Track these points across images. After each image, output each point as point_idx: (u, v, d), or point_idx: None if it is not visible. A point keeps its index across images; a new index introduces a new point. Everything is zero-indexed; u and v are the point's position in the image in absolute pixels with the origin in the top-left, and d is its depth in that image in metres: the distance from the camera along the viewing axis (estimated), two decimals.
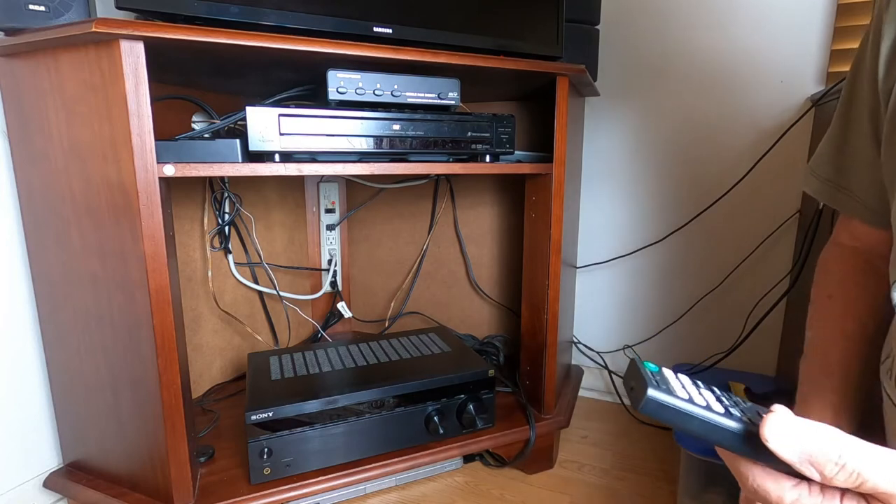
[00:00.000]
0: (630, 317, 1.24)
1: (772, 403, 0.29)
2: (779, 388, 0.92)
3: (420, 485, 0.92)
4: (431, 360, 0.92)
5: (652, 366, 0.31)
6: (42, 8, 0.59)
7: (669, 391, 0.29)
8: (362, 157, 0.74)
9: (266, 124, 0.65)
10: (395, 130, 0.73)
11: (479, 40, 0.79)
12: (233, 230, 1.05)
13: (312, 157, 0.72)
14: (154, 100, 0.60)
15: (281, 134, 0.66)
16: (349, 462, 0.81)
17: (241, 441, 0.85)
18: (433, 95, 0.76)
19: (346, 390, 0.79)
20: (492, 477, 0.94)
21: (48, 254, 0.71)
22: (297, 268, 1.24)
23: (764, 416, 0.27)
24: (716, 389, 0.32)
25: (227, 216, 1.02)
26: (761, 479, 0.28)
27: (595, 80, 0.98)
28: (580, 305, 1.27)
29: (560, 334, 0.96)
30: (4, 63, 0.67)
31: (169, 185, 0.66)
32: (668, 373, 0.31)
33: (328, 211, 1.27)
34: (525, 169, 0.85)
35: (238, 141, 0.66)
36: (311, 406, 0.76)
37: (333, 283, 1.29)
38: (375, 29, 0.72)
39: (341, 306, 1.24)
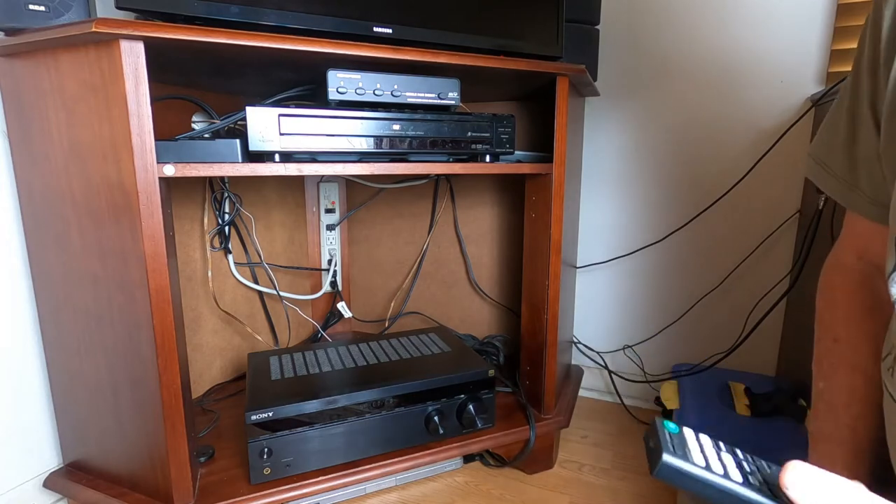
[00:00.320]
0: (630, 317, 1.24)
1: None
2: (779, 388, 0.92)
3: (420, 485, 0.92)
4: (431, 360, 0.92)
5: (672, 426, 0.30)
6: (42, 8, 0.59)
7: (686, 456, 0.27)
8: (362, 157, 0.74)
9: (266, 124, 0.65)
10: (395, 130, 0.73)
11: (479, 40, 0.79)
12: (233, 230, 1.05)
13: (312, 157, 0.72)
14: (154, 100, 0.60)
15: (281, 134, 0.66)
16: (349, 462, 0.81)
17: (241, 441, 0.85)
18: (433, 95, 0.76)
19: (346, 390, 0.79)
20: (492, 477, 0.94)
21: (48, 254, 0.71)
22: (297, 268, 1.24)
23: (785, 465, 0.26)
24: (738, 452, 0.31)
25: (227, 216, 1.02)
26: None
27: (595, 80, 0.98)
28: (580, 305, 1.27)
29: (560, 334, 0.96)
30: (4, 63, 0.67)
31: (169, 185, 0.66)
32: (688, 434, 0.30)
33: (328, 211, 1.27)
34: (525, 169, 0.85)
35: (238, 141, 0.66)
36: (311, 406, 0.76)
37: (333, 283, 1.29)
38: (375, 29, 0.72)
39: (341, 306, 1.24)
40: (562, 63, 0.84)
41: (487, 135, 0.79)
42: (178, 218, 0.94)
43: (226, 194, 1.01)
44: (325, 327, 1.28)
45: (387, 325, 1.30)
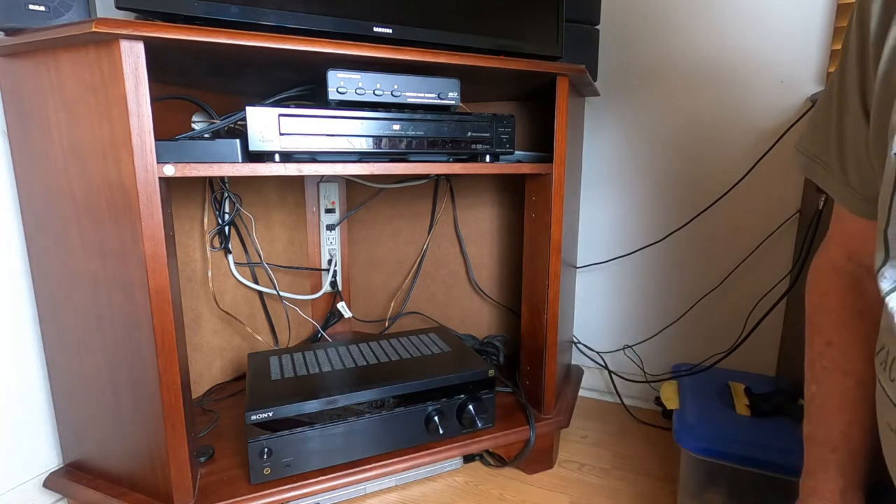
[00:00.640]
0: (630, 317, 1.24)
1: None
2: (779, 388, 0.92)
3: (420, 485, 0.92)
4: (431, 360, 0.92)
5: None
6: (42, 8, 0.59)
7: None
8: (362, 157, 0.74)
9: (266, 124, 0.65)
10: (395, 130, 0.73)
11: (479, 40, 0.79)
12: (233, 230, 1.05)
13: (312, 157, 0.72)
14: (154, 100, 0.60)
15: (281, 134, 0.66)
16: (349, 462, 0.81)
17: (241, 441, 0.85)
18: (433, 95, 0.76)
19: (346, 390, 0.79)
20: (492, 477, 0.94)
21: (48, 254, 0.71)
22: (297, 268, 1.24)
23: None
24: None
25: (227, 216, 1.02)
26: None
27: (595, 80, 0.98)
28: (580, 305, 1.27)
29: (560, 334, 0.96)
30: (4, 63, 0.67)
31: (169, 185, 0.66)
32: None
33: (328, 211, 1.27)
34: (525, 169, 0.85)
35: (238, 141, 0.66)
36: (311, 406, 0.76)
37: (333, 283, 1.29)
38: (375, 29, 0.72)
39: (341, 306, 1.24)
40: (562, 63, 0.84)
41: (487, 135, 0.79)
42: (178, 218, 0.94)
43: (226, 194, 1.01)
44: (325, 327, 1.28)
45: (387, 325, 1.30)
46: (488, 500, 0.88)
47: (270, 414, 0.74)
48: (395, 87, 0.74)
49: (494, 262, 1.22)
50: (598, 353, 1.27)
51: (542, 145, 1.04)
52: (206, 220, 1.00)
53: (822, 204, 0.88)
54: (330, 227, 1.28)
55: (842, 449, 0.51)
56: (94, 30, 0.55)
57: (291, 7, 0.67)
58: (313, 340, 1.27)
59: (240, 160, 0.66)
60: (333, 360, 0.91)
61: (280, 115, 0.66)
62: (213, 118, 0.88)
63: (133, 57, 0.58)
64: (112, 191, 0.63)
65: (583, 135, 1.17)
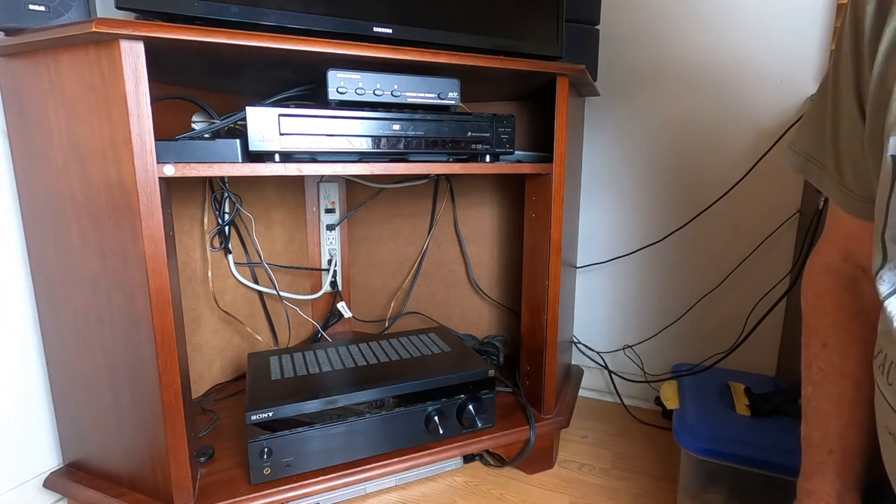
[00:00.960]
0: (630, 317, 1.24)
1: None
2: (779, 388, 0.92)
3: (420, 485, 0.92)
4: (431, 361, 0.92)
5: None
6: (42, 8, 0.59)
7: None
8: (362, 157, 0.74)
9: (266, 124, 0.65)
10: (395, 130, 0.73)
11: (479, 40, 0.79)
12: (233, 230, 1.05)
13: (312, 157, 0.72)
14: (154, 100, 0.60)
15: (281, 134, 0.66)
16: (349, 462, 0.81)
17: (241, 441, 0.85)
18: (433, 95, 0.76)
19: (346, 390, 0.79)
20: (492, 477, 0.94)
21: (48, 254, 0.71)
22: (297, 268, 1.24)
23: None
24: None
25: (227, 216, 1.02)
26: None
27: (595, 80, 0.98)
28: (580, 305, 1.27)
29: (560, 334, 0.96)
30: (4, 63, 0.67)
31: (169, 185, 0.66)
32: None
33: (328, 211, 1.27)
34: (525, 169, 0.85)
35: (238, 141, 0.66)
36: (311, 406, 0.76)
37: (333, 283, 1.29)
38: (375, 29, 0.72)
39: (341, 306, 1.24)
40: (562, 63, 0.84)
41: (487, 135, 0.79)
42: (178, 218, 0.94)
43: (226, 194, 1.01)
44: (325, 327, 1.28)
45: (387, 325, 1.30)
46: (488, 500, 0.88)
47: (270, 414, 0.74)
48: (395, 87, 0.74)
49: (494, 262, 1.22)
50: (598, 353, 1.27)
51: (542, 145, 1.04)
52: (206, 220, 1.00)
53: (821, 204, 0.88)
54: (330, 227, 1.28)
55: (838, 451, 0.51)
56: (94, 30, 0.55)
57: (291, 7, 0.67)
58: (313, 340, 1.27)
59: (240, 160, 0.66)
60: (333, 360, 0.91)
61: (280, 115, 0.66)
62: (213, 118, 0.88)
63: (133, 57, 0.58)
64: (112, 191, 0.63)
65: (583, 135, 1.17)
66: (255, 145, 0.65)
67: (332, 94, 0.70)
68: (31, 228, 0.73)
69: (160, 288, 0.64)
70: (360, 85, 0.71)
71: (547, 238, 0.88)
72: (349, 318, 1.28)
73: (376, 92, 0.73)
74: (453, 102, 0.77)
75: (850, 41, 0.45)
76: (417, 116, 0.74)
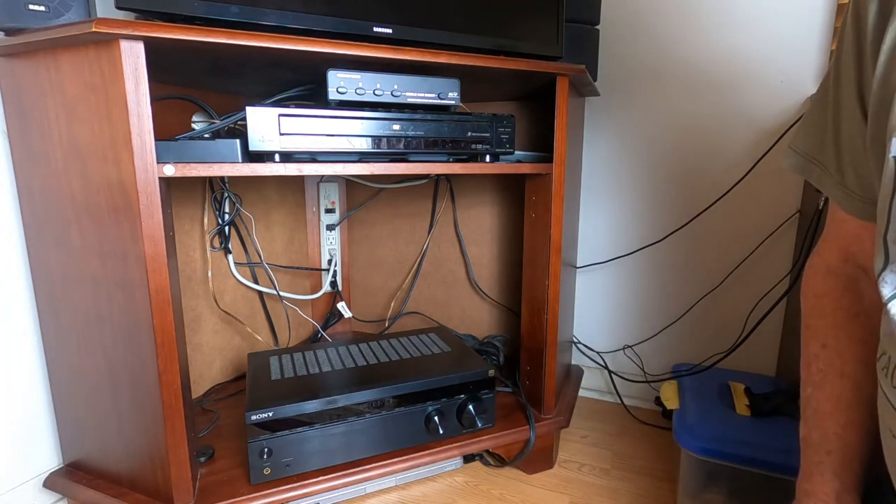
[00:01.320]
0: (630, 317, 1.24)
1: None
2: (778, 388, 0.92)
3: (420, 485, 0.92)
4: (431, 360, 0.92)
5: None
6: (42, 8, 0.59)
7: None
8: (362, 157, 0.74)
9: (266, 124, 0.65)
10: (395, 130, 0.73)
11: (479, 40, 0.79)
12: (233, 230, 1.05)
13: (312, 157, 0.72)
14: (154, 100, 0.60)
15: (281, 134, 0.66)
16: (349, 462, 0.81)
17: (241, 441, 0.85)
18: (433, 95, 0.76)
19: (346, 390, 0.79)
20: (492, 477, 0.94)
21: (48, 254, 0.71)
22: (297, 268, 1.24)
23: None
24: None
25: (227, 216, 1.02)
26: None
27: (595, 80, 0.98)
28: (580, 305, 1.27)
29: (560, 334, 0.96)
30: (4, 63, 0.67)
31: (169, 185, 0.66)
32: None
33: (328, 211, 1.27)
34: (525, 169, 0.85)
35: (238, 141, 0.66)
36: (311, 406, 0.76)
37: (333, 283, 1.29)
38: (375, 29, 0.72)
39: (341, 306, 1.24)
40: (562, 63, 0.84)
41: (487, 135, 0.79)
42: (178, 218, 0.94)
43: (226, 194, 1.01)
44: (325, 327, 1.28)
45: (387, 325, 1.30)
46: (488, 499, 0.88)
47: (270, 414, 0.74)
48: (395, 87, 0.74)
49: (494, 262, 1.22)
50: (598, 353, 1.27)
51: (542, 145, 1.04)
52: (206, 220, 1.00)
53: (822, 204, 0.88)
54: (330, 227, 1.28)
55: (837, 451, 0.51)
56: (94, 30, 0.55)
57: (291, 7, 0.67)
58: (313, 340, 1.27)
59: (240, 160, 0.66)
60: (333, 360, 0.91)
61: (280, 115, 0.66)
62: (213, 118, 0.88)
63: (133, 57, 0.58)
64: (112, 191, 0.63)
65: (583, 135, 1.17)
66: (255, 145, 0.65)
67: (332, 94, 0.70)
68: (31, 228, 0.73)
69: (160, 288, 0.64)
70: (360, 85, 0.71)
71: (547, 238, 0.88)
72: (349, 318, 1.28)
73: (376, 92, 0.73)
74: (453, 102, 0.77)
75: (851, 41, 0.44)
76: (417, 116, 0.74)
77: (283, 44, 0.63)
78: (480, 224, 1.21)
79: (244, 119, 0.66)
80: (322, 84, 0.70)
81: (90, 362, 0.72)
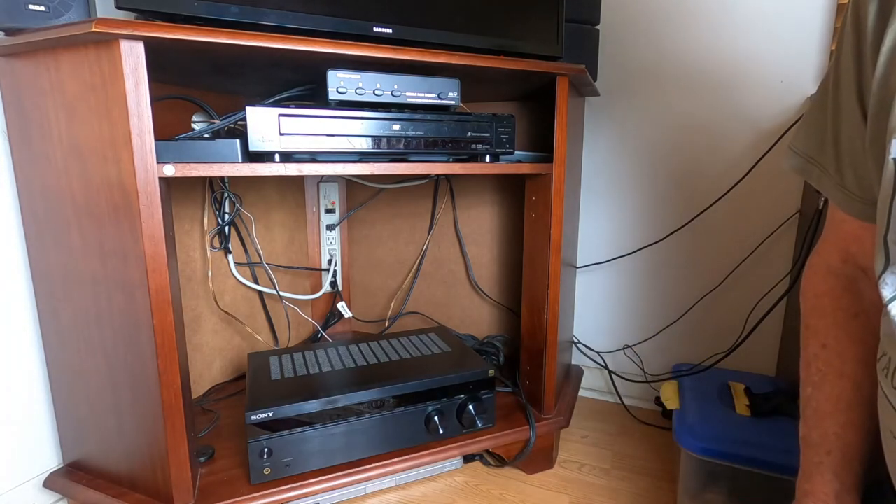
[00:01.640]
0: (630, 317, 1.24)
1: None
2: (779, 388, 0.92)
3: (420, 485, 0.92)
4: (431, 361, 0.92)
5: None
6: (42, 8, 0.59)
7: None
8: (362, 157, 0.74)
9: (266, 124, 0.65)
10: (395, 130, 0.73)
11: (479, 40, 0.79)
12: (233, 230, 1.05)
13: (312, 157, 0.72)
14: (154, 100, 0.60)
15: (281, 134, 0.66)
16: (349, 462, 0.81)
17: (241, 441, 0.85)
18: (433, 95, 0.76)
19: (346, 390, 0.79)
20: (492, 477, 0.94)
21: (48, 254, 0.71)
22: (297, 268, 1.24)
23: None
24: None
25: (227, 216, 1.02)
26: None
27: (595, 80, 0.98)
28: (580, 305, 1.27)
29: (560, 334, 0.96)
30: (4, 63, 0.67)
31: (169, 185, 0.66)
32: None
33: (328, 211, 1.27)
34: (525, 169, 0.85)
35: (238, 141, 0.66)
36: (311, 406, 0.76)
37: (333, 283, 1.29)
38: (375, 29, 0.72)
39: (341, 306, 1.24)
40: (562, 63, 0.84)
41: (487, 135, 0.79)
42: (178, 218, 0.94)
43: (226, 194, 1.01)
44: (325, 327, 1.28)
45: (387, 325, 1.30)
46: (488, 499, 0.88)
47: (270, 414, 0.74)
48: (395, 87, 0.74)
49: (494, 262, 1.22)
50: (598, 353, 1.27)
51: (542, 145, 1.04)
52: (206, 220, 1.00)
53: (822, 204, 0.88)
54: (330, 227, 1.28)
55: (837, 451, 0.51)
56: (94, 30, 0.55)
57: (291, 7, 0.67)
58: (313, 340, 1.27)
59: (240, 160, 0.66)
60: (333, 360, 0.91)
61: (280, 115, 0.66)
62: (213, 118, 0.88)
63: (133, 57, 0.58)
64: (112, 191, 0.63)
65: (583, 135, 1.17)
66: (255, 145, 0.65)
67: (332, 94, 0.70)
68: (31, 228, 0.73)
69: (160, 288, 0.64)
70: (360, 85, 0.71)
71: (547, 238, 0.88)
72: (349, 318, 1.28)
73: (376, 92, 0.73)
74: (453, 102, 0.77)
75: (851, 42, 0.44)
76: (417, 116, 0.74)
77: (283, 44, 0.63)
78: (480, 224, 1.21)
79: (244, 119, 0.66)
80: (322, 84, 0.70)
81: (90, 362, 0.72)
